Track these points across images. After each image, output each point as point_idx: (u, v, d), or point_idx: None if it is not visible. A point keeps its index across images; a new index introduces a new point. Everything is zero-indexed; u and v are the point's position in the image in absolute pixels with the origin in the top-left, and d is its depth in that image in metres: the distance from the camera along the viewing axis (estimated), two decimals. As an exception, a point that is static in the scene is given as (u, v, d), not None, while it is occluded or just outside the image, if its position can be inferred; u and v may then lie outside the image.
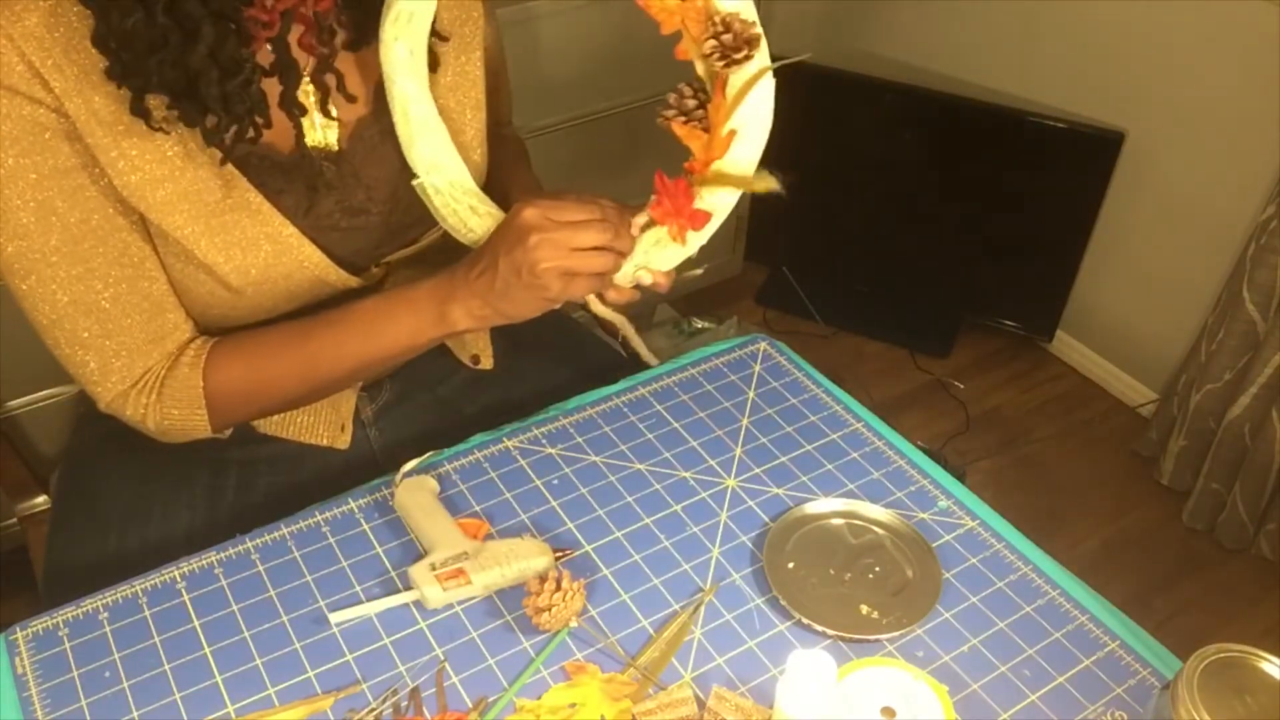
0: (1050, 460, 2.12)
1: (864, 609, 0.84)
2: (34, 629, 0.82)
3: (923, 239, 2.32)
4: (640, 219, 0.89)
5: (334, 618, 0.83)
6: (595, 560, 0.88)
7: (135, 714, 0.76)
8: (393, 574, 0.87)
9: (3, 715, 0.77)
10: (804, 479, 0.96)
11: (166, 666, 0.79)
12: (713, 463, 0.98)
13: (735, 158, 0.87)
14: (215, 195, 0.85)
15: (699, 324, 2.31)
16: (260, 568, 0.87)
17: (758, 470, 0.97)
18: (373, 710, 0.77)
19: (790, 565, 0.87)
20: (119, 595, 0.85)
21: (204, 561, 0.88)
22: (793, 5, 2.33)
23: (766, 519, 0.92)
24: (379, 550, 0.89)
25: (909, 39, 2.30)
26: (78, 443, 1.10)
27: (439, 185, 0.90)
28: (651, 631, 0.83)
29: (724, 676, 0.80)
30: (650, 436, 1.00)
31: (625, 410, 1.03)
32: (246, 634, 0.82)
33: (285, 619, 0.83)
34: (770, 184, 0.87)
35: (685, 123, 0.88)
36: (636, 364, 1.10)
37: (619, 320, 0.95)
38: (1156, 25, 1.89)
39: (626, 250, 0.87)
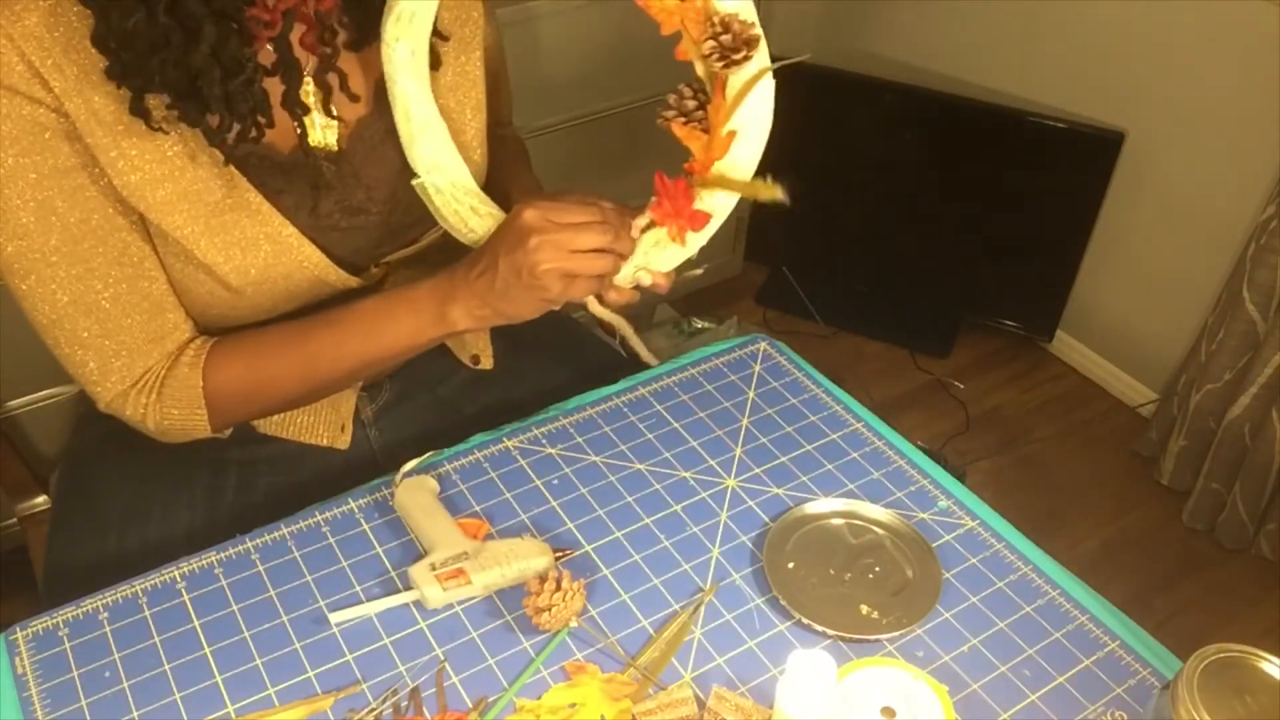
0: (1050, 460, 2.12)
1: (864, 609, 0.84)
2: (34, 629, 0.82)
3: (923, 239, 2.32)
4: (640, 220, 0.89)
5: (334, 618, 0.83)
6: (595, 560, 0.88)
7: (135, 714, 0.77)
8: (393, 574, 0.87)
9: (3, 715, 0.77)
10: (804, 479, 0.96)
11: (166, 666, 0.79)
12: (713, 463, 0.98)
13: (735, 159, 0.87)
14: (215, 195, 0.85)
15: (699, 324, 2.31)
16: (260, 568, 0.87)
17: (758, 470, 0.97)
18: (373, 710, 0.77)
19: (790, 565, 0.87)
20: (119, 595, 0.85)
21: (204, 561, 0.88)
22: (793, 5, 2.33)
23: (766, 519, 0.92)
24: (379, 550, 0.89)
25: (909, 39, 2.30)
26: (78, 443, 1.10)
27: (440, 185, 0.90)
28: (651, 631, 0.83)
29: (724, 676, 0.80)
30: (650, 436, 1.00)
31: (625, 410, 1.03)
32: (246, 634, 0.82)
33: (285, 619, 0.83)
34: (774, 193, 0.87)
35: (685, 123, 0.88)
36: (636, 364, 1.10)
37: (618, 321, 0.95)
38: (1156, 25, 1.89)
39: (627, 252, 0.87)
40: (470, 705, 0.77)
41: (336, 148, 0.92)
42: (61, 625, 0.82)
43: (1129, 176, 2.04)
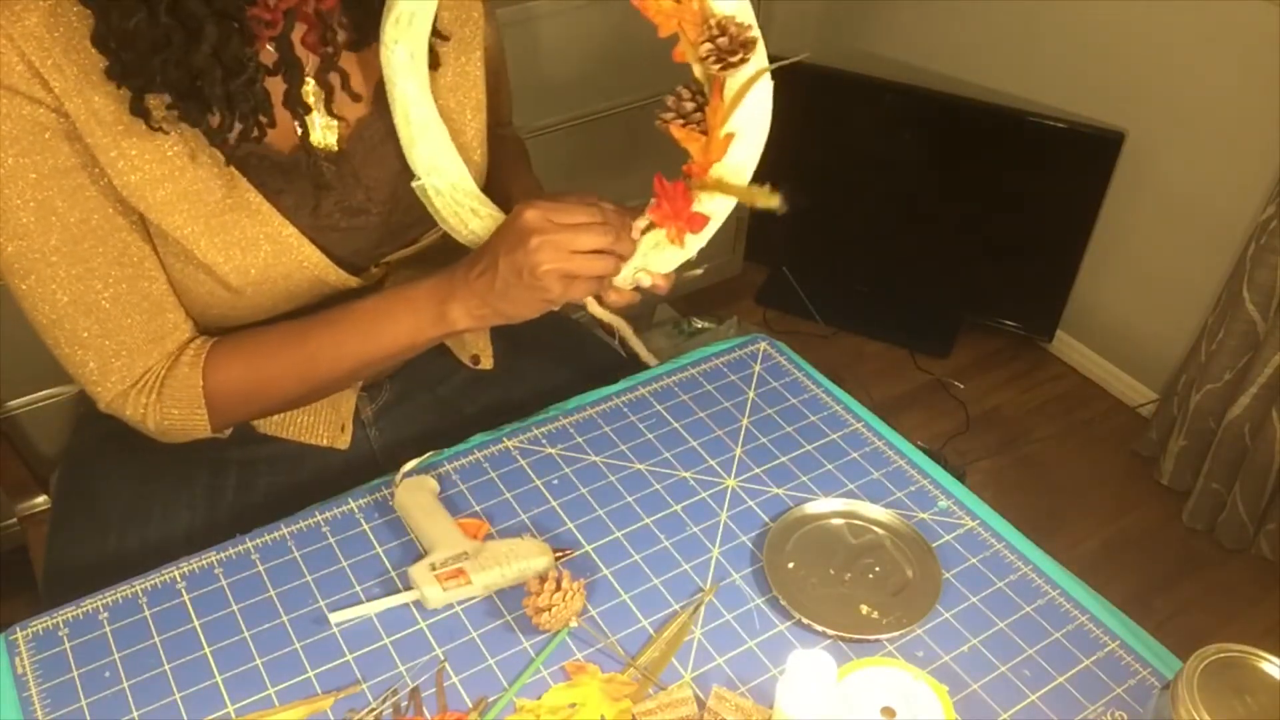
0: (1050, 460, 2.12)
1: (864, 609, 0.84)
2: (34, 629, 0.82)
3: (923, 239, 2.32)
4: (640, 222, 0.89)
5: (334, 618, 0.83)
6: (595, 560, 0.88)
7: (135, 714, 0.77)
8: (393, 574, 0.87)
9: (3, 715, 0.77)
10: (804, 479, 0.96)
11: (166, 666, 0.79)
12: (713, 463, 0.98)
13: (733, 161, 0.87)
14: (215, 195, 0.85)
15: (699, 324, 2.31)
16: (260, 568, 0.87)
17: (758, 470, 0.97)
18: (373, 710, 0.77)
19: (790, 565, 0.87)
20: (119, 595, 0.85)
21: (204, 561, 0.88)
22: (793, 5, 2.33)
23: (766, 519, 0.92)
24: (379, 550, 0.89)
25: (909, 39, 2.30)
26: (78, 443, 1.10)
27: (440, 187, 0.90)
28: (651, 631, 0.83)
29: (724, 676, 0.80)
30: (650, 436, 1.00)
31: (625, 410, 1.03)
32: (246, 634, 0.82)
33: (285, 619, 0.83)
34: (770, 201, 0.87)
35: (683, 125, 0.88)
36: (636, 364, 1.10)
37: (617, 321, 0.95)
38: (1156, 25, 1.89)
39: (627, 253, 0.87)
40: (470, 705, 0.77)
41: (337, 148, 0.92)
42: (61, 625, 0.82)
43: (1129, 176, 2.04)
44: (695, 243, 0.90)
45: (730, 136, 0.86)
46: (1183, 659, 0.68)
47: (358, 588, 0.86)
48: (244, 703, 0.77)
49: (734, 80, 0.85)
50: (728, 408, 1.04)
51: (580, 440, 1.00)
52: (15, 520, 1.21)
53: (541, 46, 1.91)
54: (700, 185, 0.88)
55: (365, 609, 0.83)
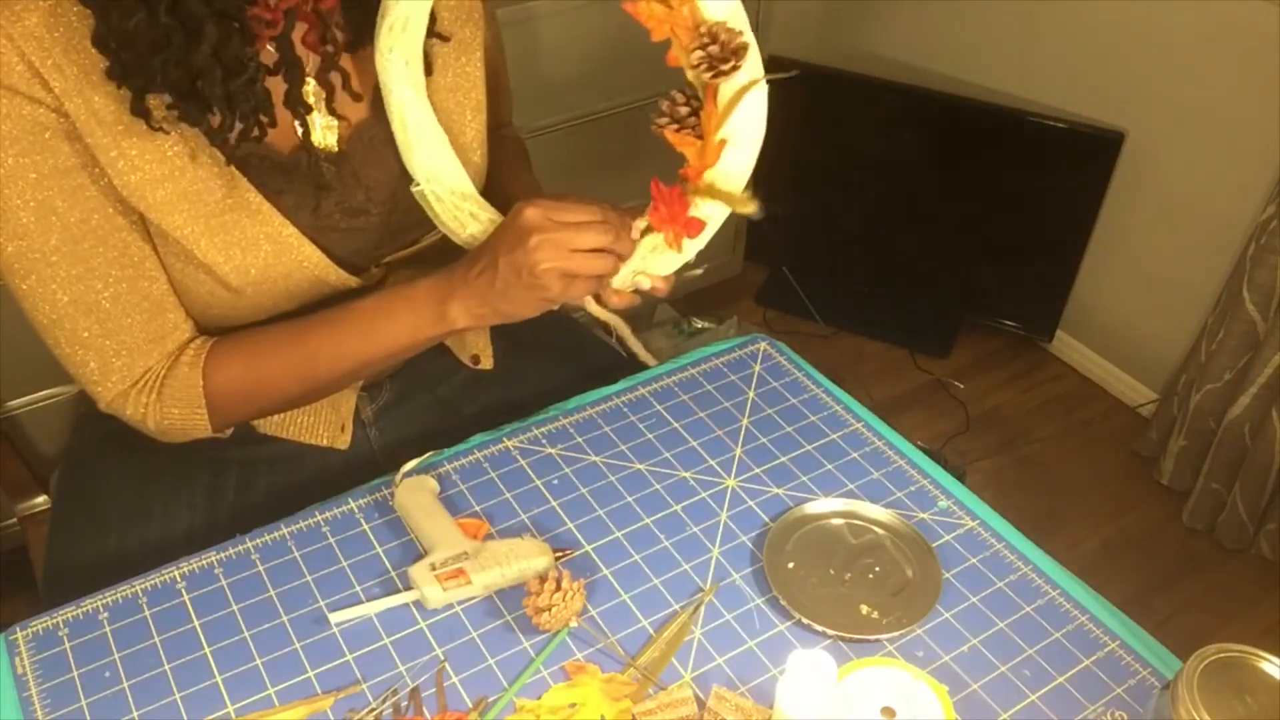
0: (1050, 460, 2.12)
1: (864, 609, 0.84)
2: (34, 629, 0.82)
3: (923, 239, 2.32)
4: (640, 223, 0.89)
5: (334, 618, 0.83)
6: (595, 560, 0.88)
7: (135, 714, 0.77)
8: (393, 574, 0.87)
9: (3, 715, 0.77)
10: (804, 479, 0.96)
11: (166, 666, 0.80)
12: (713, 463, 0.98)
13: (727, 167, 0.87)
14: (215, 195, 0.85)
15: (699, 324, 2.31)
16: (260, 568, 0.87)
17: (758, 470, 0.97)
18: (373, 710, 0.77)
19: (790, 565, 0.87)
20: (119, 595, 0.85)
21: (204, 561, 0.88)
22: (793, 5, 2.33)
23: (766, 519, 0.92)
24: (379, 550, 0.89)
25: (909, 39, 2.30)
26: (78, 443, 1.10)
27: (439, 193, 0.90)
28: (651, 631, 0.83)
29: (724, 676, 0.80)
30: (650, 436, 1.00)
31: (625, 410, 1.03)
32: (246, 634, 0.82)
33: (285, 619, 0.83)
34: (750, 207, 0.87)
35: (678, 130, 0.88)
36: (636, 364, 1.10)
37: (615, 321, 0.95)
38: (1156, 25, 1.89)
39: (627, 253, 0.87)
40: (470, 705, 0.77)
41: (337, 148, 0.92)
42: (61, 625, 0.82)
43: (1129, 176, 2.04)
44: (692, 247, 0.90)
45: (723, 142, 0.86)
46: (1183, 659, 0.68)
47: (358, 588, 0.86)
48: (244, 703, 0.77)
49: (727, 87, 0.85)
50: (728, 408, 1.04)
51: (580, 440, 1.00)
52: (15, 520, 1.21)
53: (541, 46, 1.91)
54: (694, 190, 0.88)
55: (365, 609, 0.83)
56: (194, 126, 0.81)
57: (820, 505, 0.92)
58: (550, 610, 0.80)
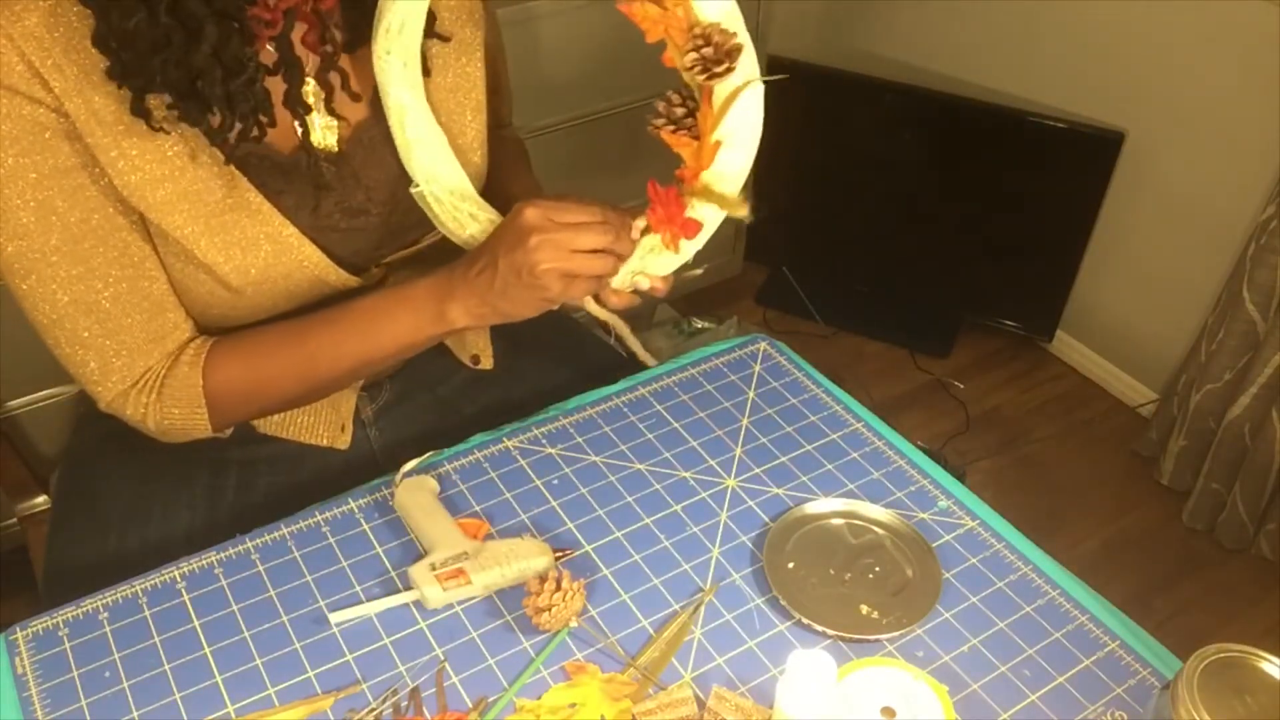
0: (1050, 460, 2.12)
1: (864, 609, 0.84)
2: (34, 629, 0.82)
3: (923, 239, 2.32)
4: (640, 223, 0.89)
5: (334, 618, 0.83)
6: (595, 560, 0.88)
7: (135, 714, 0.77)
8: (393, 574, 0.87)
9: (3, 715, 0.77)
10: (804, 479, 0.96)
11: (166, 666, 0.80)
12: (713, 463, 0.98)
13: (722, 168, 0.87)
14: (215, 195, 0.85)
15: (699, 324, 2.31)
16: (260, 568, 0.87)
17: (758, 470, 0.97)
18: (373, 710, 0.77)
19: (790, 565, 0.87)
20: (119, 595, 0.85)
21: (204, 561, 0.88)
22: (793, 5, 2.33)
23: (766, 519, 0.92)
24: (379, 550, 0.89)
25: (909, 39, 2.30)
26: (78, 443, 1.10)
27: (438, 194, 0.90)
28: (651, 631, 0.83)
29: (724, 676, 0.80)
30: (650, 436, 1.00)
31: (625, 410, 1.03)
32: (246, 634, 0.82)
33: (285, 619, 0.83)
34: (742, 211, 0.87)
35: (674, 131, 0.88)
36: (636, 364, 1.10)
37: (615, 321, 0.95)
38: (1156, 25, 1.89)
39: (626, 253, 0.87)
40: (470, 705, 0.77)
41: (336, 149, 0.92)
42: (61, 625, 0.82)
43: (1129, 176, 2.04)
44: (690, 247, 0.90)
45: (718, 144, 0.86)
46: (1183, 659, 0.68)
47: (358, 588, 0.86)
48: (244, 703, 0.77)
49: (721, 88, 0.85)
50: (728, 408, 1.04)
51: (580, 440, 1.00)
52: (15, 520, 1.21)
53: (541, 46, 1.91)
54: (690, 191, 0.88)
55: (365, 609, 0.83)
56: (194, 126, 0.82)
57: (820, 505, 0.92)
58: (550, 610, 0.80)
